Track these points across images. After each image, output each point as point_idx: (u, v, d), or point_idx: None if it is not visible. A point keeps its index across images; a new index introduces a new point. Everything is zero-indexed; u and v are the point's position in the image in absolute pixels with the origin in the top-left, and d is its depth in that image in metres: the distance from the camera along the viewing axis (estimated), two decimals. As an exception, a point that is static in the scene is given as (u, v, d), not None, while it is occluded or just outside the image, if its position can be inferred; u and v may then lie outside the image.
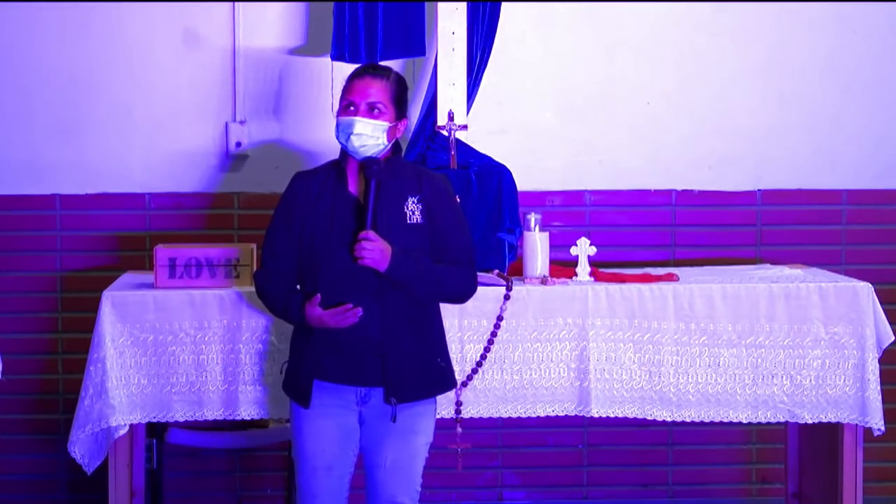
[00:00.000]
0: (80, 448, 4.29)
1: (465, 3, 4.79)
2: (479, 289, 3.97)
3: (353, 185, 3.84)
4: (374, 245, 3.70)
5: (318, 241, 3.80)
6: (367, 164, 3.78)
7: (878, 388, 4.39)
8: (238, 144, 5.21)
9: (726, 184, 5.36)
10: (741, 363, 4.38)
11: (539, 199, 5.25)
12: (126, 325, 4.28)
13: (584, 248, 4.52)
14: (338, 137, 3.83)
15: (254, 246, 4.39)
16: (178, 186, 5.23)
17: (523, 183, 4.87)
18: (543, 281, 4.43)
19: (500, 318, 4.35)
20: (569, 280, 4.48)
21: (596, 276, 4.50)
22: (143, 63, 5.19)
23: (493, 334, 4.35)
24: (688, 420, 4.41)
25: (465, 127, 4.77)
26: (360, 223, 3.75)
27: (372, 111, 3.78)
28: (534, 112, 5.30)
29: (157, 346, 4.29)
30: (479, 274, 3.96)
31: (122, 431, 4.28)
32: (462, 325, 4.34)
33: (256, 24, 5.21)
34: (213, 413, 4.33)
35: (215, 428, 5.08)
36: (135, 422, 4.30)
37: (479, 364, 4.35)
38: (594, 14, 5.28)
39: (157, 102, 5.20)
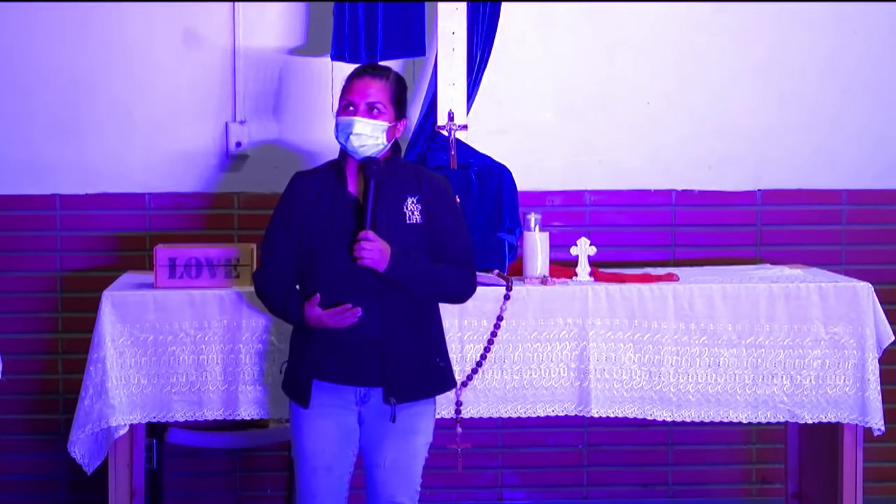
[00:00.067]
0: (80, 448, 4.29)
1: (465, 3, 4.79)
2: (479, 289, 3.97)
3: (353, 185, 3.84)
4: (374, 245, 3.70)
5: (317, 241, 3.80)
6: (367, 164, 3.78)
7: (878, 388, 4.39)
8: (238, 144, 5.21)
9: (726, 184, 5.36)
10: (741, 363, 4.38)
11: (539, 199, 5.25)
12: (126, 325, 4.28)
13: (584, 248, 4.52)
14: (337, 137, 3.83)
15: (254, 246, 4.39)
16: (178, 186, 5.23)
17: (523, 183, 4.87)
18: (543, 281, 4.43)
19: (500, 318, 4.34)
20: (569, 280, 4.48)
21: (596, 276, 4.49)
22: (143, 63, 5.19)
23: (493, 334, 4.34)
24: (688, 420, 4.41)
25: (465, 127, 4.77)
26: (359, 223, 3.75)
27: (371, 111, 3.78)
28: (534, 112, 5.30)
29: (157, 346, 4.28)
30: (479, 274, 3.97)
31: (122, 431, 4.28)
32: (462, 325, 4.34)
33: (256, 24, 5.20)
34: (213, 413, 4.33)
35: (215, 428, 5.08)
36: (135, 422, 4.30)
37: (479, 364, 4.35)
38: (594, 14, 5.28)
39: (157, 102, 5.20)
